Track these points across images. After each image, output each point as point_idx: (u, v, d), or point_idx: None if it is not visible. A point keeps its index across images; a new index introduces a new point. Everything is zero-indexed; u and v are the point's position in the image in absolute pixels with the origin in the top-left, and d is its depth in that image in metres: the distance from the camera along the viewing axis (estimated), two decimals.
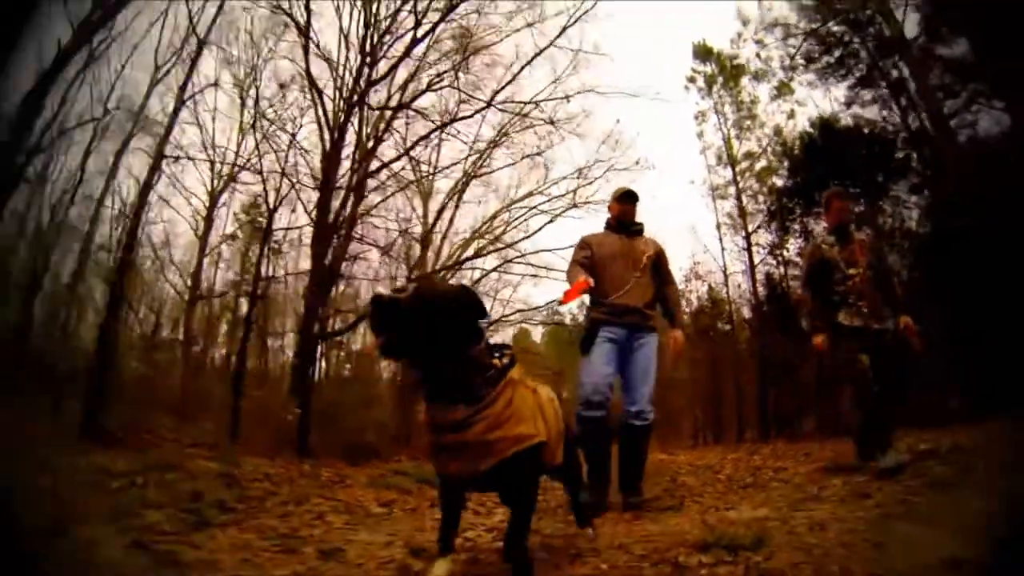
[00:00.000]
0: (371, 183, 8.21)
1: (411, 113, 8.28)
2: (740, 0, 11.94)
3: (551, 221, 9.25)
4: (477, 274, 9.32)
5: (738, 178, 11.24)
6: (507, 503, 2.03)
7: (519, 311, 9.44)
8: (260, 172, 7.91)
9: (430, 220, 10.06)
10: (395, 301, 1.67)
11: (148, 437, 5.53)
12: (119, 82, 7.73)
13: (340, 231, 7.61)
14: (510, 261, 9.22)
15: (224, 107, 8.82)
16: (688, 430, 12.02)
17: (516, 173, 9.79)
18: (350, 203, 7.81)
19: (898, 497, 2.85)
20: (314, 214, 7.50)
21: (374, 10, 7.89)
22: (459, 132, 8.85)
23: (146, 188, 7.32)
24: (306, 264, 7.94)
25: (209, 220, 9.05)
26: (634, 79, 14.47)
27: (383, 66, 7.96)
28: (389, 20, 7.88)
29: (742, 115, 11.59)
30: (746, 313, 11.12)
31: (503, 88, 8.45)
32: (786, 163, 10.40)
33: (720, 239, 11.18)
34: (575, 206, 9.17)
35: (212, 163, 8.75)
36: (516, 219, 9.60)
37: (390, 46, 7.99)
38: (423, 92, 8.23)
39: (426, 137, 8.55)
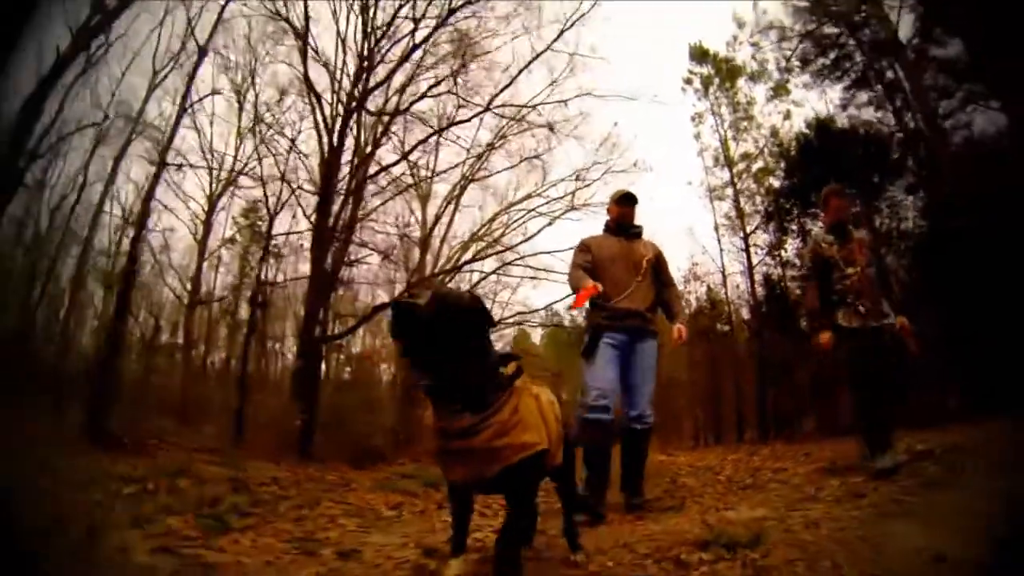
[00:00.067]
0: (370, 187, 8.27)
1: (409, 117, 8.35)
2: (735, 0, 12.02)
3: (550, 224, 9.32)
4: (476, 276, 9.40)
5: (735, 179, 11.24)
6: (510, 505, 2.07)
7: (518, 313, 9.51)
8: (261, 179, 7.97)
9: (429, 224, 10.12)
10: (415, 307, 1.68)
11: (152, 441, 5.55)
12: (117, 86, 7.79)
13: (339, 235, 7.66)
14: (509, 264, 9.29)
15: (222, 111, 8.88)
16: (688, 431, 12.04)
17: (514, 176, 9.88)
18: (349, 207, 7.86)
19: (892, 497, 2.90)
20: (313, 218, 7.55)
21: (371, 15, 7.95)
22: (458, 138, 8.93)
23: (148, 198, 7.34)
24: (306, 268, 8.01)
25: (208, 224, 9.10)
26: (631, 81, 14.57)
27: (380, 70, 8.03)
28: (386, 25, 7.94)
29: (739, 116, 11.61)
30: (745, 314, 11.16)
31: (500, 92, 8.52)
32: (783, 164, 10.45)
33: (718, 240, 11.18)
34: (573, 208, 9.25)
35: (210, 169, 8.80)
36: (515, 221, 9.69)
37: (387, 51, 8.06)
38: (421, 97, 8.29)
39: (424, 141, 8.62)
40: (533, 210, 9.53)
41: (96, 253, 7.93)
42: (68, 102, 7.09)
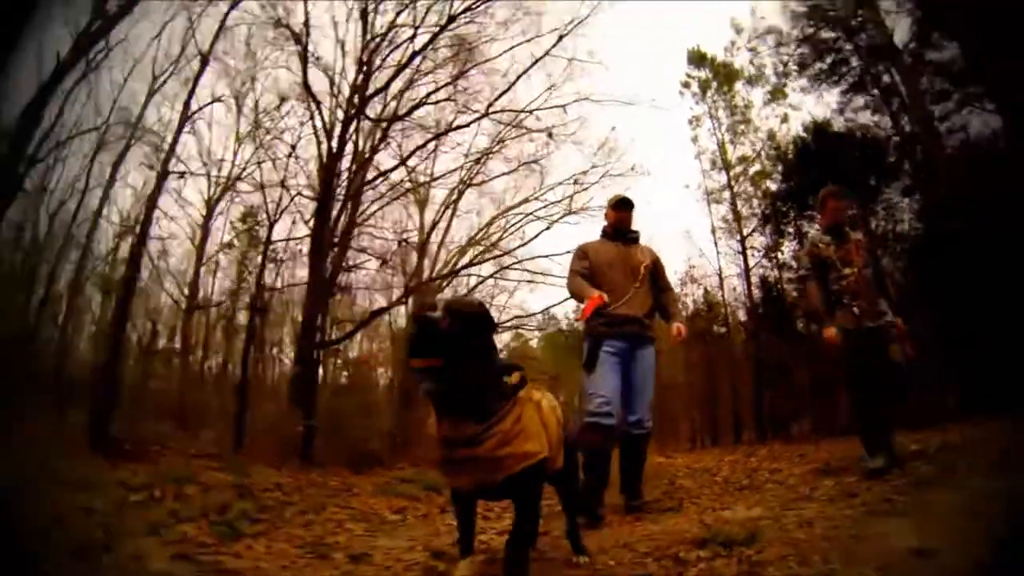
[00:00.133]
0: (368, 193, 8.30)
1: (407, 122, 8.37)
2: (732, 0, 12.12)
3: (548, 228, 9.34)
4: (474, 280, 9.44)
5: (732, 182, 11.35)
6: (515, 508, 2.10)
7: (516, 317, 9.55)
8: (260, 184, 8.00)
9: (427, 229, 10.16)
10: (436, 322, 1.69)
11: (153, 447, 5.57)
12: (116, 92, 7.80)
13: (338, 241, 7.70)
14: (507, 267, 9.33)
15: (220, 116, 8.91)
16: (686, 433, 12.11)
17: (512, 180, 9.87)
18: (347, 213, 7.90)
19: (884, 496, 2.95)
20: (312, 224, 7.58)
21: (370, 20, 8.00)
22: (458, 145, 9.01)
23: (152, 206, 7.36)
24: (304, 274, 8.02)
25: (205, 229, 9.12)
26: (629, 85, 14.60)
27: (379, 76, 8.06)
28: (385, 30, 7.99)
29: (736, 119, 11.72)
30: (741, 316, 11.24)
31: (498, 98, 8.56)
32: (780, 167, 10.54)
33: (715, 243, 11.30)
34: (571, 212, 9.27)
35: (209, 175, 8.82)
36: (512, 225, 9.71)
37: (387, 56, 8.10)
38: (420, 104, 8.33)
39: (422, 147, 8.65)
40: (531, 214, 9.56)
41: (95, 258, 7.95)
42: (68, 107, 7.11)
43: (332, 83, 7.91)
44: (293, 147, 8.03)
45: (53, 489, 3.01)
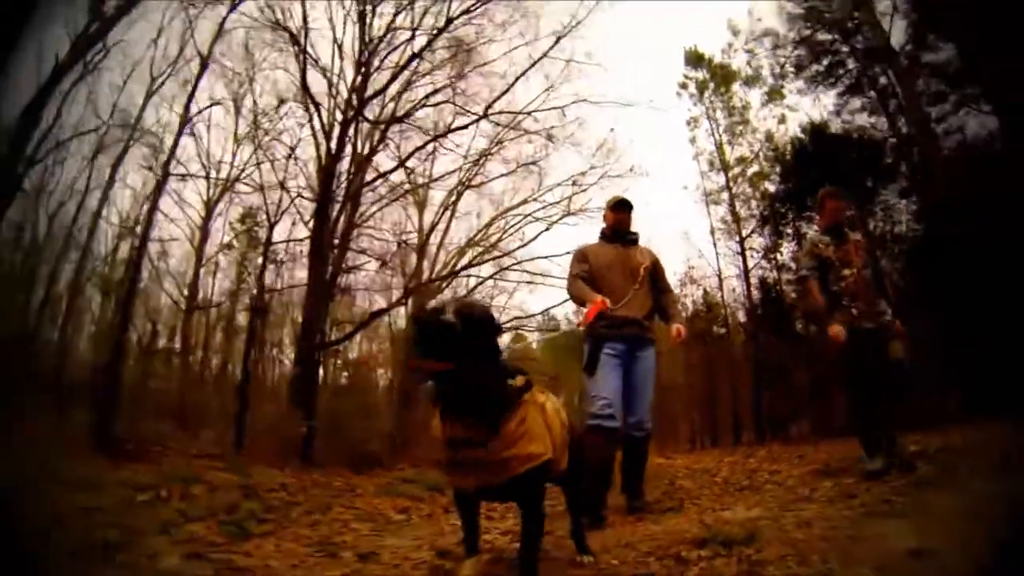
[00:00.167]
0: (368, 194, 8.33)
1: (406, 124, 8.39)
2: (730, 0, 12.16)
3: (547, 229, 9.36)
4: (473, 281, 9.46)
5: (731, 183, 11.38)
6: (521, 509, 2.12)
7: (515, 318, 9.56)
8: (260, 186, 8.01)
9: (426, 230, 10.18)
10: (451, 325, 1.68)
11: (155, 447, 5.58)
12: (115, 93, 7.83)
13: (337, 242, 7.71)
14: (506, 268, 9.35)
15: (219, 118, 8.91)
16: (685, 434, 12.13)
17: (511, 181, 9.90)
18: (346, 214, 7.91)
19: (882, 497, 2.98)
20: (312, 225, 7.60)
21: (368, 22, 8.02)
22: (457, 147, 9.02)
23: (153, 209, 7.37)
24: (303, 275, 8.03)
25: (205, 230, 9.14)
26: (627, 86, 14.62)
27: (378, 78, 8.09)
28: (383, 32, 8.01)
29: (734, 120, 11.75)
30: (741, 317, 11.26)
31: (497, 99, 8.58)
32: (778, 168, 10.56)
33: (714, 244, 11.33)
34: (570, 213, 9.29)
35: (208, 177, 8.83)
36: (511, 226, 9.73)
37: (385, 58, 8.12)
38: (419, 106, 8.36)
39: (421, 148, 8.68)
40: (530, 215, 9.58)
41: (95, 259, 7.96)
42: (66, 108, 7.13)
43: (331, 85, 7.95)
44: (292, 149, 8.06)
45: (54, 489, 3.03)
